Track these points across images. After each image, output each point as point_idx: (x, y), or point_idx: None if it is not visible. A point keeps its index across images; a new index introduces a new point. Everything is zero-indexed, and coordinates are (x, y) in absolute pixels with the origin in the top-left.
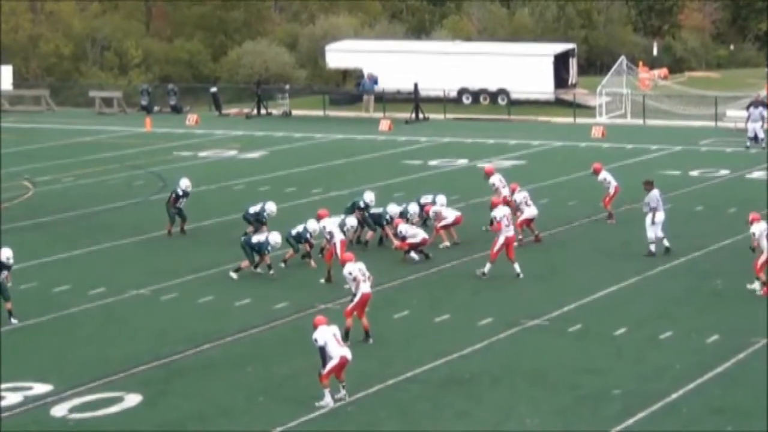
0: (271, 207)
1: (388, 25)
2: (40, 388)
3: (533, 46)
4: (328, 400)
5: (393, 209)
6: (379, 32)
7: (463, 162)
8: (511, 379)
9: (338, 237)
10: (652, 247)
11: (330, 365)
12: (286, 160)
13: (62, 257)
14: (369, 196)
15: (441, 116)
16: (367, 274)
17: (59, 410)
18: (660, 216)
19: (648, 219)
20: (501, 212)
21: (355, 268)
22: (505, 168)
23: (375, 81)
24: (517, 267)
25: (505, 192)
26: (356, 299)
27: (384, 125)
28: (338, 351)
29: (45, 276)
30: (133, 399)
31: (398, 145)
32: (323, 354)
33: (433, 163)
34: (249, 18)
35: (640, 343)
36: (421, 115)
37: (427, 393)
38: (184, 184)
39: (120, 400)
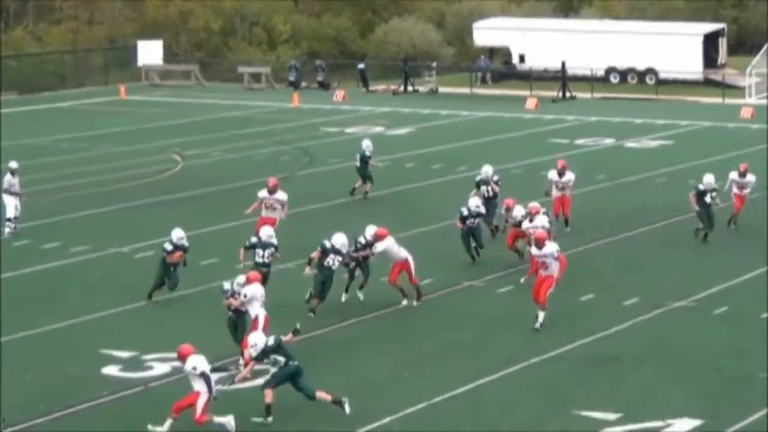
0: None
1: (536, 3)
2: None
3: (682, 25)
4: None
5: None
6: (527, 10)
7: (610, 141)
8: (655, 359)
9: None
10: None
11: None
12: (433, 137)
13: (210, 230)
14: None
15: (588, 95)
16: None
17: None
18: None
19: None
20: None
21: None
22: (652, 148)
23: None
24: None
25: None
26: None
27: (530, 103)
28: None
29: (192, 249)
30: None
31: (545, 123)
32: None
33: (579, 142)
34: None
35: None
36: (568, 94)
37: (572, 371)
38: (365, 144)
39: None
